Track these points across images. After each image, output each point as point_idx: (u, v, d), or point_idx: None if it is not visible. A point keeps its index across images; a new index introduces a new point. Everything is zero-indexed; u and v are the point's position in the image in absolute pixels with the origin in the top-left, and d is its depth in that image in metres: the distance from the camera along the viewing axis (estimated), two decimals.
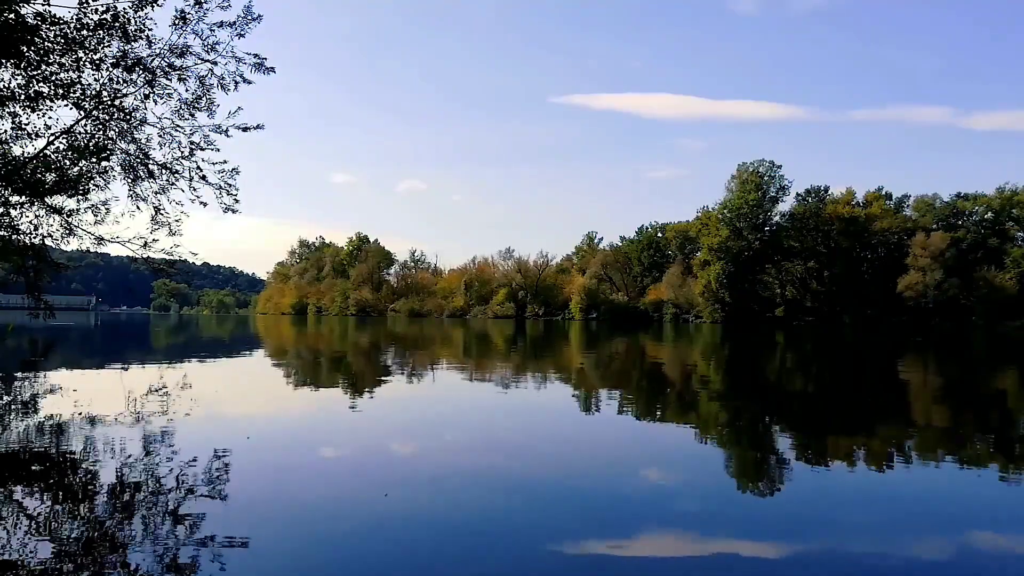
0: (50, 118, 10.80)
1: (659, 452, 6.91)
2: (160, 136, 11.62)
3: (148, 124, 11.52)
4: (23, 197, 11.24)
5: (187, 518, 4.31)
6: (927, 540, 4.27)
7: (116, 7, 10.21)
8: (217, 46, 11.06)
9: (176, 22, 10.80)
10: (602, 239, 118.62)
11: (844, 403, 11.02)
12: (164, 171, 11.85)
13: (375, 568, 3.66)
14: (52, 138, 11.00)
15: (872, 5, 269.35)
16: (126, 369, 15.13)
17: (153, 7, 10.45)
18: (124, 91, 11.08)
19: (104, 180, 11.80)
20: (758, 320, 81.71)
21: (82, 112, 10.99)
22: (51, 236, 11.84)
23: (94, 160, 11.40)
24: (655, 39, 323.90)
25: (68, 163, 11.24)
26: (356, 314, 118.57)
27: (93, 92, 10.83)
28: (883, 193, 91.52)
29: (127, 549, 3.79)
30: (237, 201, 12.15)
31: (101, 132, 11.37)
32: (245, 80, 11.43)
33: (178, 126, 11.55)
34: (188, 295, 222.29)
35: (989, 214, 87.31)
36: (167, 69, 11.05)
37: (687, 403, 10.78)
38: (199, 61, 11.16)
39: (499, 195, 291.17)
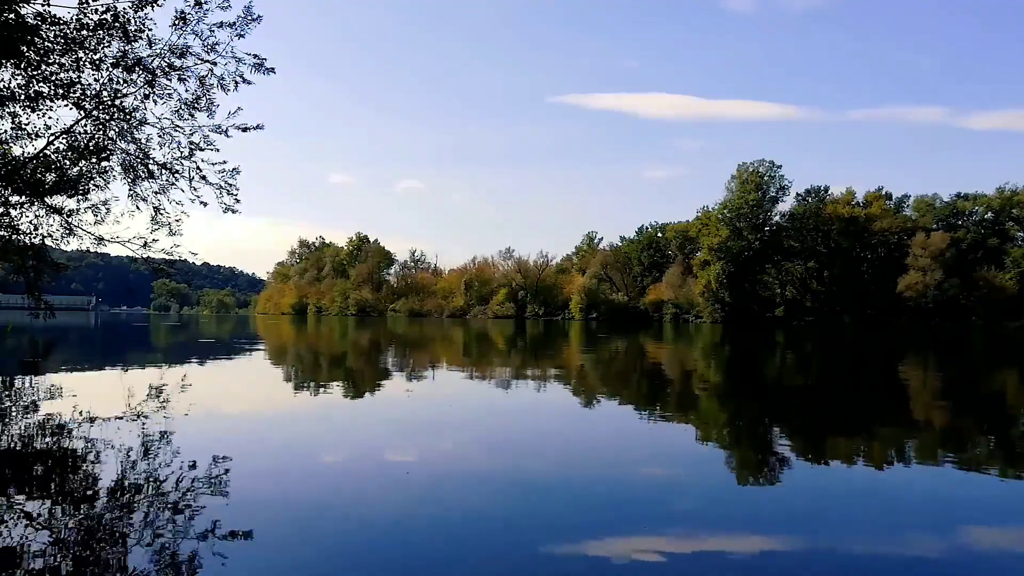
0: (50, 118, 10.84)
1: (659, 451, 6.91)
2: (160, 136, 11.65)
3: (148, 124, 11.55)
4: (23, 197, 11.25)
5: (187, 518, 4.31)
6: (927, 539, 4.27)
7: (116, 7, 10.24)
8: (217, 46, 11.10)
9: (176, 22, 10.82)
10: (602, 239, 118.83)
11: (844, 402, 11.02)
12: (164, 171, 11.87)
13: (375, 568, 3.67)
14: (52, 138, 11.02)
15: (868, 4, 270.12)
16: (126, 370, 15.14)
17: (153, 7, 10.47)
18: (124, 91, 11.10)
19: (104, 180, 11.84)
20: (758, 320, 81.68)
21: (82, 112, 11.01)
22: (51, 236, 11.88)
23: (94, 160, 11.42)
24: (650, 38, 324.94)
25: (68, 163, 11.26)
26: (356, 314, 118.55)
27: (93, 92, 10.85)
28: (883, 193, 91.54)
29: (127, 548, 3.80)
30: (237, 201, 12.18)
31: (101, 132, 11.39)
32: (245, 80, 11.46)
33: (178, 126, 11.58)
34: (188, 295, 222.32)
35: (989, 214, 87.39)
36: (167, 69, 11.07)
37: (687, 403, 10.78)
38: (199, 61, 11.19)
39: (499, 195, 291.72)
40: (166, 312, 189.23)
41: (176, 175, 11.86)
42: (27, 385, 11.38)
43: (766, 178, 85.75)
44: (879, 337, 39.15)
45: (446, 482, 5.45)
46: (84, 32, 10.22)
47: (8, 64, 10.00)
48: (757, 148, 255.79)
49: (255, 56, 11.39)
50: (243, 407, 9.80)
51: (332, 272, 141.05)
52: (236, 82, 11.37)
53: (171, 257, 12.50)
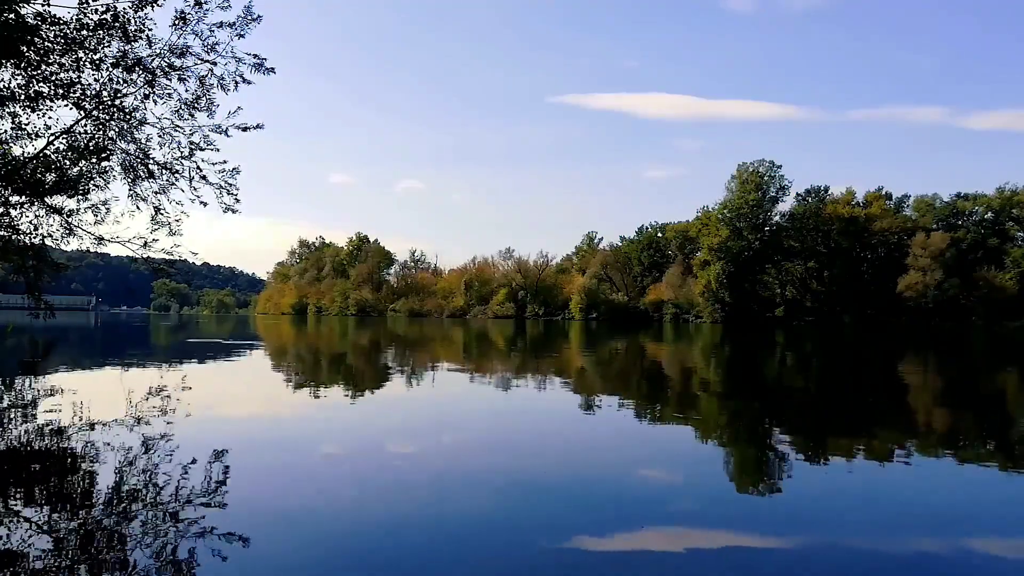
0: (50, 118, 10.82)
1: (659, 452, 6.91)
2: (160, 136, 11.64)
3: (148, 124, 11.53)
4: (23, 197, 11.24)
5: (186, 518, 4.31)
6: (927, 539, 4.27)
7: (116, 7, 10.23)
8: (217, 46, 11.08)
9: (176, 22, 10.80)
10: (602, 239, 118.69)
11: (844, 403, 11.02)
12: (164, 171, 11.85)
13: (375, 568, 3.66)
14: (52, 138, 11.01)
15: (868, 4, 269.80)
16: (126, 370, 15.13)
17: (153, 7, 10.46)
18: (124, 91, 11.08)
19: (104, 180, 11.82)
20: (758, 320, 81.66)
21: (82, 112, 11.00)
22: (51, 236, 11.86)
23: (94, 160, 11.41)
24: (650, 38, 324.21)
25: (68, 163, 11.25)
26: (356, 314, 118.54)
27: (93, 92, 10.84)
28: (883, 193, 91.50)
29: (126, 549, 3.80)
30: (238, 201, 12.16)
31: (101, 132, 11.38)
32: (245, 80, 11.45)
33: (178, 126, 11.56)
34: (188, 295, 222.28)
35: (989, 214, 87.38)
36: (167, 69, 11.05)
37: (687, 403, 10.78)
38: (199, 61, 11.17)
39: (499, 195, 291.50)
40: (166, 312, 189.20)
41: (176, 175, 11.85)
42: (27, 385, 11.38)
43: (766, 178, 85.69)
44: (879, 337, 39.14)
45: (446, 482, 5.45)
46: (84, 32, 10.21)
47: (8, 64, 9.99)
48: (757, 148, 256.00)
49: (255, 56, 11.39)
50: (243, 408, 9.80)
51: (332, 272, 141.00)
52: (236, 82, 11.37)
53: (171, 257, 12.49)
